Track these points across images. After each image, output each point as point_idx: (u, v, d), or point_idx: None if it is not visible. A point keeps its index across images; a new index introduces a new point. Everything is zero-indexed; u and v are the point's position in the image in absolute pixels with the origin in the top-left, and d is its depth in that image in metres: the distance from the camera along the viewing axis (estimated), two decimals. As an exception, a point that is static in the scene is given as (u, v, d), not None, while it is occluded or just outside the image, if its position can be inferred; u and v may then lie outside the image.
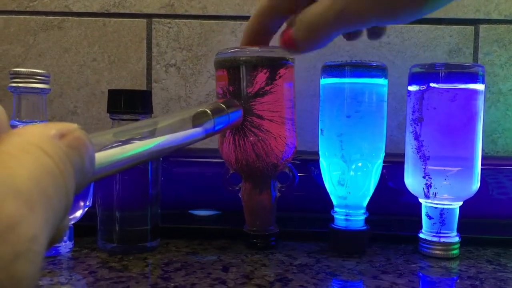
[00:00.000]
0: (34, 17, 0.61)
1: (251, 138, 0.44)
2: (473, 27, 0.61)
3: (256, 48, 0.42)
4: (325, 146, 0.48)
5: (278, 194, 0.48)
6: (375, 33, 0.40)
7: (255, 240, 0.48)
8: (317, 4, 0.30)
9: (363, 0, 0.27)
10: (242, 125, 0.44)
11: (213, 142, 0.62)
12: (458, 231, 0.47)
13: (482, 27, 0.61)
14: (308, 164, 0.53)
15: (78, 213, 0.46)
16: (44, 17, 0.62)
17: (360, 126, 0.46)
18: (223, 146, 0.47)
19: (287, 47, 0.33)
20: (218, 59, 0.46)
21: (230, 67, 0.45)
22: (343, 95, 0.46)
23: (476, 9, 0.60)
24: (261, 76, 0.44)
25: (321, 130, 0.48)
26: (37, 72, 0.44)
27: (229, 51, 0.45)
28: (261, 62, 0.44)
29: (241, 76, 0.44)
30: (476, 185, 0.47)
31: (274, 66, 0.44)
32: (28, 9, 0.61)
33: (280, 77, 0.44)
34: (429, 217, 0.47)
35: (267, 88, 0.44)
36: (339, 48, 0.61)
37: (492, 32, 0.60)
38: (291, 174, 0.47)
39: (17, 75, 0.44)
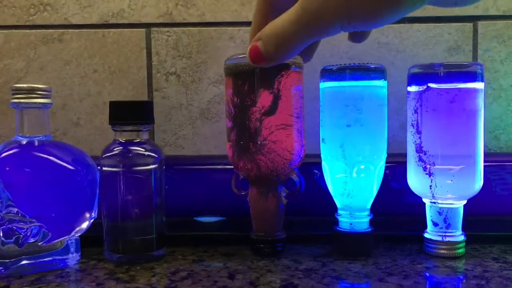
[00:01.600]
0: (34, 31, 0.62)
1: (254, 144, 0.44)
2: (472, 23, 0.60)
3: None
4: (327, 152, 0.48)
5: (285, 200, 0.48)
6: (357, 35, 0.39)
7: (261, 245, 0.48)
8: (285, 14, 0.29)
9: (333, 5, 0.26)
10: (247, 131, 0.44)
11: (216, 149, 0.62)
12: (462, 229, 0.47)
13: (480, 24, 0.60)
14: (311, 167, 0.53)
15: (84, 225, 0.46)
16: (44, 30, 0.62)
17: (361, 133, 0.46)
18: (230, 151, 0.47)
19: (256, 61, 0.31)
20: (224, 66, 0.47)
21: (231, 75, 0.45)
22: (343, 99, 0.46)
23: (474, 6, 0.60)
24: (262, 83, 0.44)
25: (323, 139, 0.48)
26: (38, 87, 0.45)
27: (234, 57, 0.46)
28: (261, 71, 0.44)
29: (241, 83, 0.44)
30: (479, 183, 0.47)
31: (274, 72, 0.44)
32: (28, 23, 0.62)
33: (279, 83, 0.44)
34: (435, 224, 0.47)
35: (269, 95, 0.44)
36: (338, 50, 0.61)
37: (491, 28, 0.60)
38: (297, 180, 0.47)
39: (18, 91, 0.44)
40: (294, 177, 0.47)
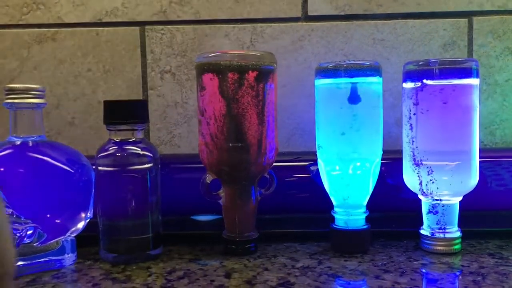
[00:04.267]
0: (27, 30, 0.62)
1: (230, 145, 0.45)
2: (467, 19, 0.60)
3: (235, 53, 0.45)
4: (324, 155, 0.48)
5: (259, 197, 0.48)
6: None
7: (233, 246, 0.48)
8: None
9: None
10: (223, 131, 0.44)
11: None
12: (458, 225, 0.47)
13: (475, 19, 0.60)
14: (308, 165, 0.53)
15: (80, 225, 0.46)
16: (37, 29, 0.62)
17: (356, 137, 0.46)
18: (204, 152, 0.47)
19: None
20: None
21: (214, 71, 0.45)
22: (338, 96, 0.46)
23: (469, 1, 0.60)
24: (233, 82, 0.44)
25: (319, 146, 0.48)
26: (32, 87, 0.45)
27: (211, 55, 0.45)
28: (231, 70, 0.44)
29: (220, 80, 0.44)
30: (475, 179, 0.47)
31: (243, 71, 0.44)
32: (20, 22, 0.61)
33: (248, 84, 0.44)
34: (432, 231, 0.47)
35: (239, 95, 0.44)
36: (333, 47, 0.61)
37: (486, 23, 0.60)
38: (270, 178, 0.48)
39: (12, 91, 0.44)
40: (267, 175, 0.48)
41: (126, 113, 0.47)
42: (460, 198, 0.47)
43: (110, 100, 0.48)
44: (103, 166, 0.46)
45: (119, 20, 0.61)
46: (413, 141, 0.47)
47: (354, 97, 0.46)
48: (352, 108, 0.46)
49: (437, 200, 0.47)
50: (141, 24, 0.61)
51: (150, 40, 0.61)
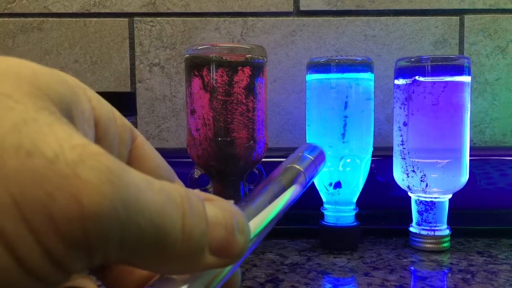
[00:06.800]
0: (13, 19, 0.60)
1: (219, 139, 0.44)
2: (458, 17, 0.60)
3: (225, 46, 0.43)
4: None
5: (247, 193, 0.47)
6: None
7: None
8: None
9: None
10: (212, 126, 0.44)
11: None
12: (448, 223, 0.47)
13: (467, 17, 0.60)
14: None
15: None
16: (23, 19, 0.60)
17: (347, 134, 0.46)
18: (192, 147, 0.46)
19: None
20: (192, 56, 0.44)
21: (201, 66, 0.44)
22: (329, 92, 0.46)
23: (460, -1, 0.60)
24: (222, 76, 0.43)
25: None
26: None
27: (199, 48, 0.44)
28: (221, 63, 0.43)
29: (209, 74, 0.43)
30: (465, 177, 0.46)
31: (233, 65, 0.43)
32: (6, 11, 0.60)
33: (238, 78, 0.43)
34: (422, 229, 0.47)
35: (229, 89, 0.43)
36: (325, 42, 0.60)
37: (477, 22, 0.60)
38: (259, 173, 0.47)
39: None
40: (255, 170, 0.47)
41: (113, 105, 0.45)
42: (450, 196, 0.47)
43: (97, 91, 0.47)
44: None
45: (108, 11, 0.60)
46: (403, 138, 0.47)
47: (336, 184, 0.46)
48: (344, 98, 0.45)
49: (427, 197, 0.47)
50: (130, 15, 0.60)
51: (139, 32, 0.60)
